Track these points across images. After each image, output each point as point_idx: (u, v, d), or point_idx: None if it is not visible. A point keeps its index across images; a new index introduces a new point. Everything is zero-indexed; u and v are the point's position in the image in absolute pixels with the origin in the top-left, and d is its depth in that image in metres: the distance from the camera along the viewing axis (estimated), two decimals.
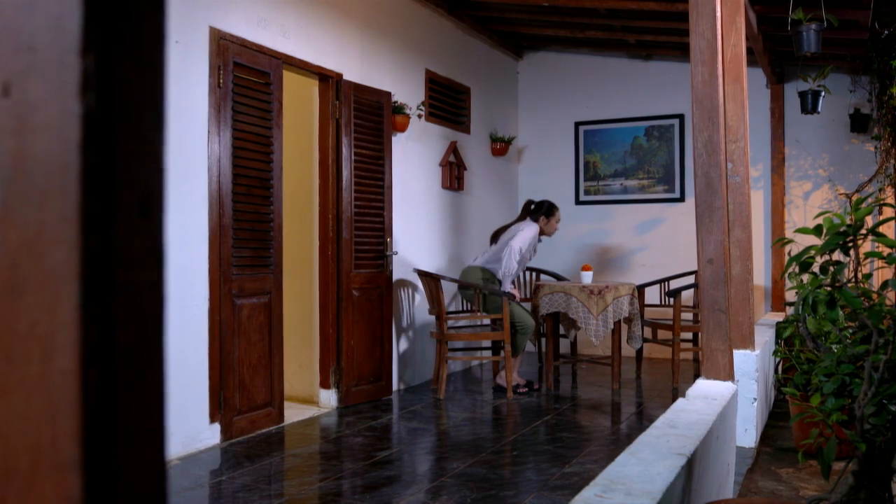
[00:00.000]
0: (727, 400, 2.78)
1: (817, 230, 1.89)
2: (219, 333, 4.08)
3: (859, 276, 1.93)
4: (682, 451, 1.99)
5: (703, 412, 2.53)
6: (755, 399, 3.93)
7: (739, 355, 3.83)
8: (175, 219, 3.85)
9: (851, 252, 1.85)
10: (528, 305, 6.53)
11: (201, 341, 4.00)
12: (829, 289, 1.83)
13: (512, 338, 5.50)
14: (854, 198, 6.65)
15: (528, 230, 5.62)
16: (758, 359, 3.96)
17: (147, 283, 0.47)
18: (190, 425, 3.91)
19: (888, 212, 5.37)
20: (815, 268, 1.90)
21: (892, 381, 1.78)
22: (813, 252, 1.90)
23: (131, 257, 0.46)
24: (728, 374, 3.16)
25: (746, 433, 3.92)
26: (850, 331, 2.01)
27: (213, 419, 4.04)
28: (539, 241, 5.79)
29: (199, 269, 4.00)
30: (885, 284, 1.92)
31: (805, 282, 1.97)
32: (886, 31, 5.56)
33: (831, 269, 1.82)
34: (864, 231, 1.81)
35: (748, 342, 3.99)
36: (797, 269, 1.91)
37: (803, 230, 1.94)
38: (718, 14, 3.30)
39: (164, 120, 0.47)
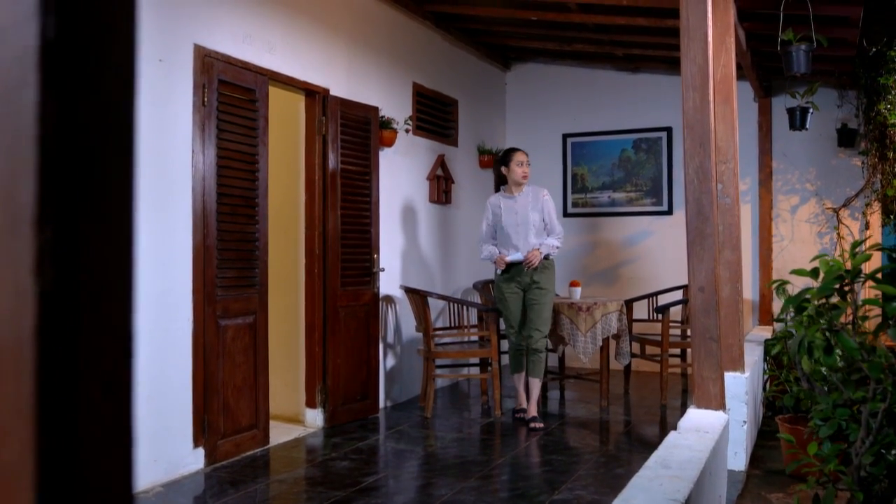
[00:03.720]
0: (719, 433, 2.75)
1: (814, 273, 1.86)
2: (203, 355, 4.01)
3: (857, 320, 1.90)
4: (675, 497, 1.95)
5: (695, 448, 2.49)
6: (745, 422, 3.90)
7: (729, 378, 3.80)
8: (158, 239, 3.78)
9: (849, 297, 1.82)
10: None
11: (185, 364, 3.93)
12: (826, 333, 1.80)
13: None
14: (841, 212, 6.67)
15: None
16: (747, 381, 3.94)
17: (112, 472, 0.41)
18: (173, 450, 3.84)
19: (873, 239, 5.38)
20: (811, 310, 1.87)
21: (890, 428, 1.75)
22: (808, 295, 1.87)
23: (94, 449, 0.40)
24: (720, 403, 3.13)
25: (736, 456, 3.89)
26: (846, 372, 1.98)
27: (196, 443, 3.97)
28: (517, 191, 5.21)
29: (183, 290, 3.93)
30: (879, 327, 1.89)
31: (793, 317, 1.94)
32: (874, 49, 5.57)
33: (829, 313, 1.79)
34: (861, 276, 1.78)
35: (738, 364, 3.96)
36: (793, 312, 1.88)
37: (800, 272, 1.91)
38: (710, 38, 3.28)
39: (134, 292, 0.42)
